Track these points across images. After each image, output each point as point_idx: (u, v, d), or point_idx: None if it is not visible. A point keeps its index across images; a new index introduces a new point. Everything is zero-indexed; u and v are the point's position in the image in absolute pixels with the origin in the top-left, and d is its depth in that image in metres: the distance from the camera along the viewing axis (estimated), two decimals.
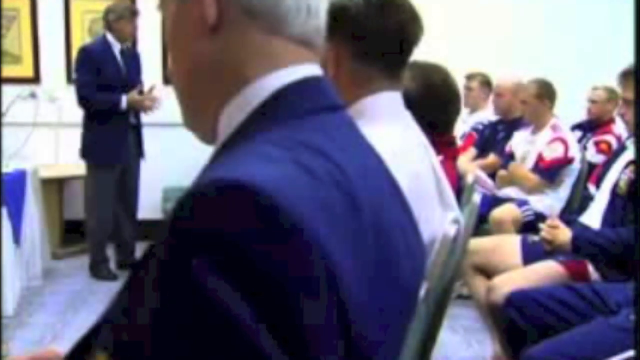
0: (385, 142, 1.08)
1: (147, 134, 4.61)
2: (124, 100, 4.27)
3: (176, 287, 0.60)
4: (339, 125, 0.78)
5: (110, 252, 4.55)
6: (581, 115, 4.79)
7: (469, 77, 4.90)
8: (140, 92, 4.37)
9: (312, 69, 0.78)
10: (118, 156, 4.35)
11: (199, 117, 0.82)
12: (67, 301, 4.01)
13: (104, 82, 4.27)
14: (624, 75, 2.64)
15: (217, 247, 0.59)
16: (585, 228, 2.72)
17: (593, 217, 2.76)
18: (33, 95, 4.88)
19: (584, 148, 4.31)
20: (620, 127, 4.32)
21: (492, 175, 4.30)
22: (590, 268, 2.66)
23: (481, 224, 3.71)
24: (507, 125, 4.58)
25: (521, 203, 3.87)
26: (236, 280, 0.58)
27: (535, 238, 2.86)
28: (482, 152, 4.67)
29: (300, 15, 0.76)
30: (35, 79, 5.24)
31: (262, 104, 0.75)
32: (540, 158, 3.91)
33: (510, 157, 4.16)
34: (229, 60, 0.76)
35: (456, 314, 3.62)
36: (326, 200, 0.65)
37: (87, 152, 4.37)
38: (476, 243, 2.99)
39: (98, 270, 4.42)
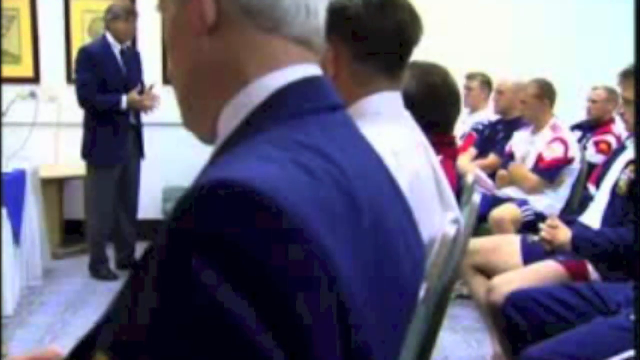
0: (385, 142, 1.08)
1: (147, 134, 4.61)
2: (124, 100, 4.27)
3: (176, 287, 0.60)
4: (339, 125, 0.78)
5: (110, 252, 4.55)
6: (581, 115, 4.79)
7: (469, 77, 4.91)
8: (140, 92, 4.36)
9: (311, 69, 0.78)
10: (118, 156, 4.35)
11: (198, 117, 0.82)
12: (67, 301, 4.01)
13: (103, 82, 4.27)
14: (624, 75, 2.64)
15: (216, 247, 0.59)
16: (585, 228, 2.72)
17: (593, 217, 2.76)
18: (33, 95, 4.88)
19: (584, 148, 4.31)
20: (620, 127, 4.32)
21: (492, 175, 4.30)
22: (590, 268, 2.66)
23: (481, 224, 3.71)
24: (507, 125, 4.58)
25: (521, 203, 3.87)
26: (236, 280, 0.58)
27: (535, 238, 2.86)
28: (482, 152, 4.68)
29: (299, 15, 0.77)
30: (35, 78, 5.24)
31: (262, 104, 0.75)
32: (540, 158, 3.91)
33: (510, 157, 4.16)
34: (228, 60, 0.76)
35: (456, 314, 3.63)
36: (326, 200, 0.65)
37: (87, 152, 4.37)
38: (476, 243, 2.99)
39: (98, 270, 4.42)
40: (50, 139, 5.20)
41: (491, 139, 4.67)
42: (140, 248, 4.43)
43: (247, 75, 0.76)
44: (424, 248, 0.89)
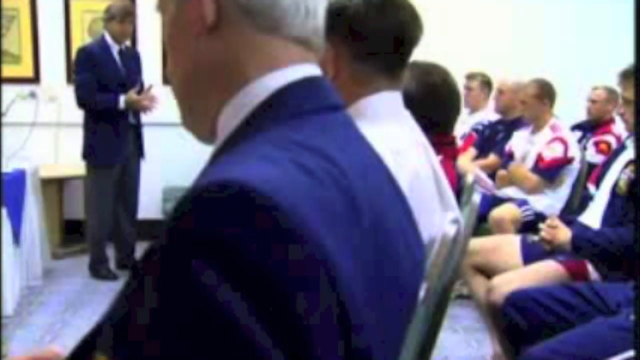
0: (385, 142, 1.08)
1: (147, 134, 4.61)
2: (122, 100, 4.27)
3: (176, 288, 0.60)
4: (339, 125, 0.78)
5: (110, 252, 4.55)
6: (581, 115, 4.79)
7: (469, 77, 4.91)
8: (140, 92, 4.36)
9: (311, 69, 0.79)
10: (117, 156, 4.35)
11: (198, 117, 0.82)
12: (67, 301, 4.01)
13: (102, 83, 4.27)
14: (624, 75, 2.64)
15: (216, 247, 0.59)
16: (585, 228, 2.72)
17: (593, 217, 2.76)
18: (33, 95, 4.88)
19: (584, 148, 4.31)
20: (620, 127, 4.32)
21: (492, 175, 4.30)
22: (590, 268, 2.66)
23: (481, 224, 3.71)
24: (507, 125, 4.59)
25: (521, 203, 3.87)
26: (236, 281, 0.58)
27: (535, 238, 2.86)
28: (482, 152, 4.68)
29: (298, 16, 0.77)
30: (35, 78, 5.24)
31: (262, 104, 0.75)
32: (539, 158, 3.91)
33: (510, 157, 4.16)
34: (228, 60, 0.76)
35: (456, 314, 3.63)
36: (326, 200, 0.65)
37: (86, 152, 4.38)
38: (476, 243, 2.99)
39: (98, 270, 4.43)
40: (50, 139, 5.20)
41: (491, 139, 4.67)
42: (140, 248, 4.43)
43: (246, 75, 0.76)
44: (424, 248, 0.89)
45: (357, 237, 0.68)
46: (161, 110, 4.28)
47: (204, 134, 0.82)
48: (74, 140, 4.53)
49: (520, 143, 4.11)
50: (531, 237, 3.00)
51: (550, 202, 3.86)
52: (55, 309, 3.88)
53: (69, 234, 5.10)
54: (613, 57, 3.55)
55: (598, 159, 4.19)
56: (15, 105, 4.59)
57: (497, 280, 2.67)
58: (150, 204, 5.02)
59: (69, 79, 5.07)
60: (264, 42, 0.76)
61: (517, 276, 2.67)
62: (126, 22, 4.34)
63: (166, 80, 4.68)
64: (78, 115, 4.43)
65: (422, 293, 0.88)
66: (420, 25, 1.41)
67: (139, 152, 4.54)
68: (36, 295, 4.07)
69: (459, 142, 4.47)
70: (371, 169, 0.79)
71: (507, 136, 4.41)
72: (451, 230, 1.19)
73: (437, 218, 1.29)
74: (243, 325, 0.58)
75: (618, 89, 2.98)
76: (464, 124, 4.83)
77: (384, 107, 1.38)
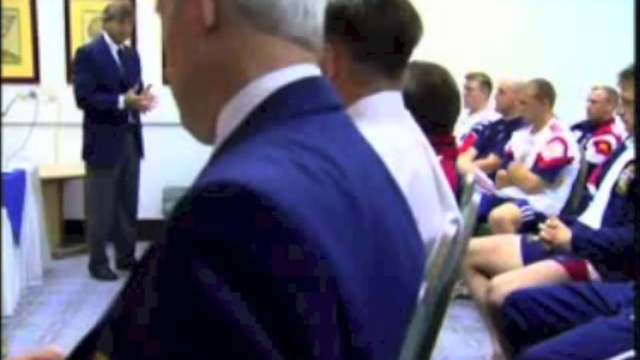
0: (385, 142, 1.08)
1: (147, 134, 4.61)
2: (121, 99, 4.26)
3: (175, 288, 0.60)
4: (339, 125, 0.78)
5: (110, 252, 4.55)
6: (581, 115, 4.79)
7: (469, 77, 4.91)
8: (139, 92, 4.37)
9: (311, 69, 0.79)
10: (117, 156, 4.35)
11: (197, 118, 0.82)
12: (67, 301, 4.01)
13: (101, 83, 4.27)
14: (624, 75, 2.64)
15: (216, 247, 0.59)
16: (585, 228, 2.72)
17: (593, 217, 2.76)
18: (33, 95, 4.88)
19: (584, 148, 4.31)
20: (620, 127, 4.32)
21: (492, 175, 4.30)
22: (590, 268, 2.66)
23: (481, 224, 3.71)
24: (507, 125, 4.59)
25: (521, 203, 3.87)
26: (236, 281, 0.58)
27: (535, 238, 2.86)
28: (482, 153, 4.68)
29: (298, 16, 0.77)
30: (35, 79, 5.24)
31: (262, 104, 0.75)
32: (539, 158, 3.91)
33: (510, 157, 4.16)
34: (227, 60, 0.76)
35: (456, 314, 3.63)
36: (326, 200, 0.65)
37: (86, 152, 4.38)
38: (476, 243, 2.99)
39: (98, 270, 4.43)
40: (50, 139, 5.20)
41: (491, 140, 4.67)
42: (140, 248, 4.43)
43: (246, 76, 0.76)
44: (424, 248, 0.89)
45: (357, 237, 0.68)
46: (161, 110, 4.27)
47: (204, 134, 0.82)
48: (73, 140, 4.53)
49: (520, 143, 4.11)
50: (531, 237, 3.01)
51: (550, 202, 3.86)
52: (55, 309, 3.88)
53: (69, 234, 5.10)
54: (613, 57, 3.55)
55: (598, 159, 4.19)
56: (15, 105, 4.58)
57: (497, 280, 2.67)
58: (150, 204, 5.02)
59: (69, 79, 5.07)
60: (263, 42, 0.76)
61: (517, 276, 2.67)
62: (125, 22, 4.34)
63: (166, 81, 4.68)
64: (78, 115, 4.43)
65: (422, 293, 0.88)
66: (420, 25, 1.41)
67: (139, 152, 4.54)
68: (36, 295, 4.07)
69: (459, 143, 4.47)
70: (371, 169, 0.79)
71: (507, 136, 4.41)
72: (451, 230, 1.19)
73: (437, 218, 1.29)
74: (243, 325, 0.58)
75: (618, 89, 2.98)
76: (464, 124, 4.84)
77: (384, 107, 1.38)
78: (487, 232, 3.70)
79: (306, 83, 0.77)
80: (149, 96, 4.32)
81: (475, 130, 4.86)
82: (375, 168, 0.81)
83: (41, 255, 4.27)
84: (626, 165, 2.67)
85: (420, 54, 1.53)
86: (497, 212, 3.81)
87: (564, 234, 2.60)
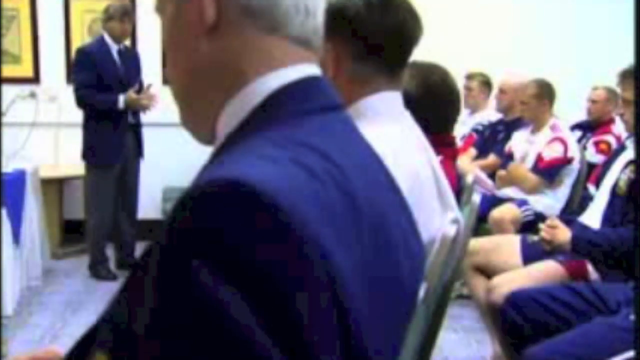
0: (385, 142, 1.08)
1: (147, 134, 4.61)
2: (122, 99, 4.26)
3: (175, 287, 0.60)
4: (339, 125, 0.78)
5: (110, 252, 4.55)
6: (581, 115, 4.79)
7: (469, 77, 4.91)
8: (139, 92, 4.37)
9: (311, 69, 0.79)
10: (117, 156, 4.35)
11: (197, 118, 0.82)
12: (67, 301, 4.01)
13: (101, 83, 4.27)
14: (624, 76, 2.64)
15: (216, 247, 0.59)
16: (585, 228, 2.72)
17: (592, 217, 2.76)
18: (33, 95, 4.88)
19: (584, 148, 4.31)
20: (620, 127, 4.32)
21: (492, 175, 4.30)
22: (590, 268, 2.66)
23: (481, 224, 3.71)
24: (507, 125, 4.59)
25: (521, 203, 3.87)
26: (236, 280, 0.58)
27: (535, 238, 2.86)
28: (482, 153, 4.68)
29: (298, 15, 0.77)
30: (35, 79, 5.23)
31: (262, 104, 0.75)
32: (539, 158, 3.91)
33: (510, 157, 4.16)
34: (228, 60, 0.76)
35: (456, 314, 3.62)
36: (326, 200, 0.65)
37: (86, 152, 4.38)
38: (476, 243, 2.99)
39: (98, 270, 4.42)
40: (50, 139, 5.20)
41: (491, 140, 4.67)
42: (140, 248, 4.43)
43: (246, 75, 0.76)
44: (424, 248, 0.89)
45: (357, 237, 0.68)
46: (161, 110, 4.28)
47: (204, 134, 0.82)
48: (73, 141, 4.53)
49: (520, 143, 4.11)
50: (531, 237, 3.00)
51: (550, 202, 3.86)
52: (55, 309, 3.87)
53: (69, 234, 5.10)
54: (613, 57, 3.55)
55: (598, 159, 4.19)
56: (15, 105, 4.59)
57: (497, 280, 2.67)
58: (150, 204, 5.01)
59: (69, 79, 5.06)
60: (264, 42, 0.76)
61: (517, 276, 2.67)
62: (126, 21, 4.35)
63: (166, 81, 4.68)
64: (78, 115, 4.42)
65: (422, 293, 0.88)
66: (420, 24, 1.40)
67: (139, 152, 4.54)
68: (36, 295, 4.07)
69: (459, 143, 4.47)
70: (371, 169, 0.79)
71: (507, 136, 4.41)
72: (451, 230, 1.19)
73: (437, 218, 1.29)
74: (243, 325, 0.58)
75: (618, 89, 2.98)
76: (464, 125, 4.83)
77: (384, 107, 1.37)
78: (487, 232, 3.70)
79: (306, 83, 0.77)
80: (149, 96, 4.32)
81: (475, 130, 4.85)
82: (375, 168, 0.81)
83: (41, 255, 4.27)
84: (626, 165, 2.67)
85: (420, 54, 1.53)
86: (497, 212, 3.80)
87: (564, 234, 2.60)
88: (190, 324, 0.58)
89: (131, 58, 4.50)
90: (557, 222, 2.66)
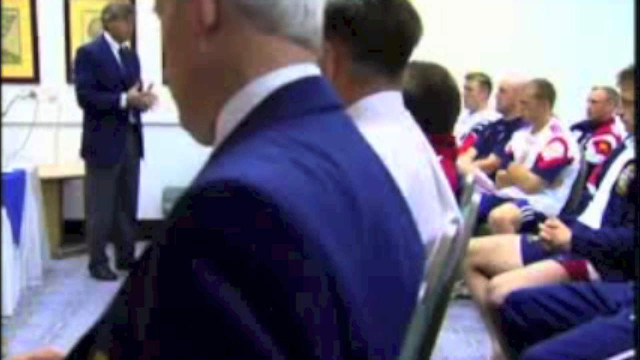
0: (385, 142, 1.08)
1: (147, 134, 4.61)
2: (124, 98, 4.26)
3: (175, 287, 0.60)
4: (338, 125, 0.78)
5: (110, 252, 4.55)
6: (581, 115, 4.79)
7: (469, 77, 4.91)
8: (139, 90, 4.37)
9: (310, 69, 0.78)
10: (117, 156, 4.35)
11: (197, 118, 0.82)
12: (67, 301, 4.01)
13: (102, 82, 4.27)
14: (623, 76, 2.64)
15: (216, 247, 0.59)
16: (585, 228, 2.72)
17: (592, 217, 2.76)
18: (33, 95, 4.88)
19: (584, 148, 4.31)
20: (619, 127, 4.32)
21: (492, 175, 4.30)
22: (590, 268, 2.66)
23: (481, 224, 3.71)
24: (507, 125, 4.59)
25: (521, 203, 3.87)
26: (235, 280, 0.58)
27: (535, 238, 2.86)
28: (482, 153, 4.68)
29: (298, 15, 0.76)
30: (35, 79, 5.24)
31: (262, 104, 0.75)
32: (539, 158, 3.91)
33: (510, 157, 4.16)
34: (227, 60, 0.76)
35: (456, 314, 3.62)
36: (326, 200, 0.65)
37: (86, 152, 4.37)
38: (476, 243, 2.99)
39: (98, 270, 4.42)
40: (50, 139, 5.20)
41: (491, 140, 4.67)
42: (140, 248, 4.42)
43: (246, 75, 0.76)
44: (424, 248, 0.89)
45: (357, 237, 0.68)
46: (161, 111, 4.28)
47: (203, 134, 0.82)
48: (73, 140, 4.53)
49: (520, 143, 4.11)
50: (531, 237, 3.00)
51: (550, 202, 3.86)
52: (55, 309, 3.87)
53: (69, 234, 5.10)
54: (613, 57, 3.55)
55: (598, 159, 4.19)
56: (15, 105, 4.59)
57: (497, 280, 2.67)
58: (150, 204, 5.01)
59: (69, 79, 5.07)
60: (263, 42, 0.76)
61: (517, 276, 2.67)
62: (129, 20, 4.36)
63: (166, 81, 4.66)
64: (78, 115, 4.42)
65: (422, 293, 0.88)
66: (420, 24, 1.40)
67: (139, 151, 4.54)
68: (36, 295, 4.07)
69: (459, 143, 4.47)
70: (371, 169, 0.79)
71: (507, 136, 4.41)
72: (451, 230, 1.19)
73: (437, 218, 1.29)
74: (243, 324, 0.58)
75: (618, 89, 2.98)
76: (464, 124, 4.83)
77: (384, 107, 1.37)
78: (487, 232, 3.70)
79: (306, 82, 0.77)
80: (150, 94, 4.32)
81: (475, 130, 4.85)
82: (375, 168, 0.81)
83: (41, 255, 4.27)
84: (626, 165, 2.67)
85: (420, 54, 1.53)
86: (497, 212, 3.80)
87: (564, 234, 2.60)
88: (190, 323, 0.58)
89: (132, 58, 4.51)
90: (557, 222, 2.66)
